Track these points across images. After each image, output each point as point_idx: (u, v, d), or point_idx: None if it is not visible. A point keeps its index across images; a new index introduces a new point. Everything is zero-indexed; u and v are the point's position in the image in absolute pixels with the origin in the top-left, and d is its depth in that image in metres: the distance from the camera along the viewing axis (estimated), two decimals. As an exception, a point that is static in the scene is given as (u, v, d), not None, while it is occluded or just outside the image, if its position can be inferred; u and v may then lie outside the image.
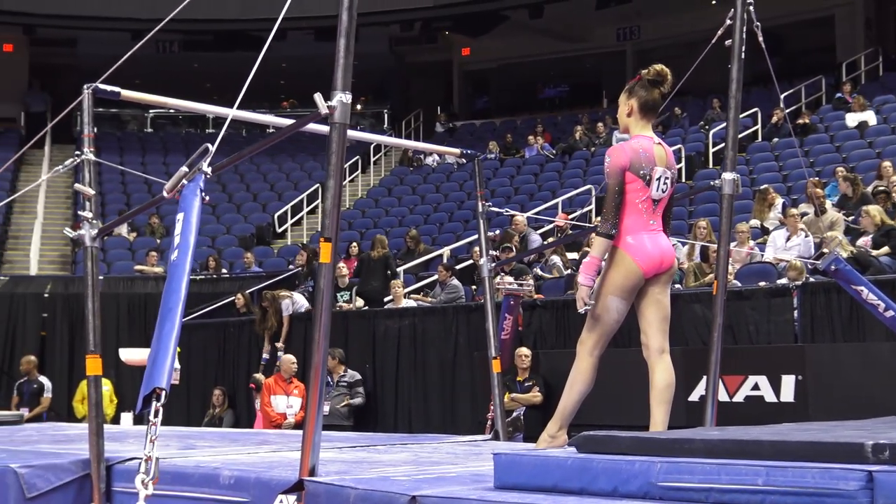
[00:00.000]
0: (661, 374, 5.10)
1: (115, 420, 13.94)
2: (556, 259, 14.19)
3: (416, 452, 5.83)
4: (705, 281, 11.56)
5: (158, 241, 20.57)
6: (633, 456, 3.53)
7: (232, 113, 4.81)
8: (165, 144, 27.95)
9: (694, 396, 9.90)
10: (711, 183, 6.20)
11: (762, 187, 15.13)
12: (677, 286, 11.76)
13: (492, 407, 7.81)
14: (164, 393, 3.89)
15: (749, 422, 5.77)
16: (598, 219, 5.23)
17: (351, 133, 4.53)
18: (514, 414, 11.09)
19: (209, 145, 4.28)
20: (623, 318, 5.15)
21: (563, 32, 27.54)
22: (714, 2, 22.51)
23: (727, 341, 8.93)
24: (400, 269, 16.18)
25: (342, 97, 4.33)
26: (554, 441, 5.19)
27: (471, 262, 15.47)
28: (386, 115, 31.16)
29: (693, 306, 10.82)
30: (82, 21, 25.83)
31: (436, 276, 15.09)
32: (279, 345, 14.18)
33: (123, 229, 21.36)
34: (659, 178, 5.07)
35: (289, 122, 6.23)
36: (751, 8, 6.03)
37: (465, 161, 7.01)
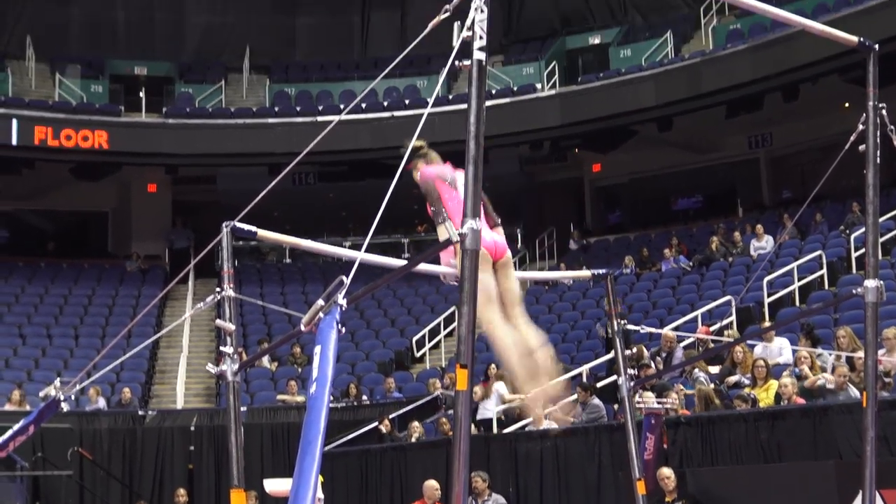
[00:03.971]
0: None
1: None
2: (699, 373, 13.94)
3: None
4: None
5: (300, 370, 20.83)
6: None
7: (360, 256, 4.92)
8: (304, 274, 28.49)
9: (851, 512, 9.51)
10: (854, 291, 6.06)
11: (910, 290, 14.69)
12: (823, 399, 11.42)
13: (639, 530, 7.62)
14: (306, 526, 3.91)
15: (912, 539, 5.49)
16: (432, 211, 6.27)
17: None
18: (664, 536, 10.79)
19: (344, 278, 4.35)
20: (492, 282, 6.05)
21: (693, 143, 27.41)
22: (847, 104, 22.16)
23: (883, 454, 8.61)
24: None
25: (472, 224, 4.37)
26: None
27: (611, 379, 15.27)
28: (519, 235, 31.22)
29: (844, 417, 10.46)
30: (222, 158, 26.67)
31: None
32: None
33: (265, 359, 21.69)
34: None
35: (402, 262, 6.34)
36: (883, 112, 5.94)
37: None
